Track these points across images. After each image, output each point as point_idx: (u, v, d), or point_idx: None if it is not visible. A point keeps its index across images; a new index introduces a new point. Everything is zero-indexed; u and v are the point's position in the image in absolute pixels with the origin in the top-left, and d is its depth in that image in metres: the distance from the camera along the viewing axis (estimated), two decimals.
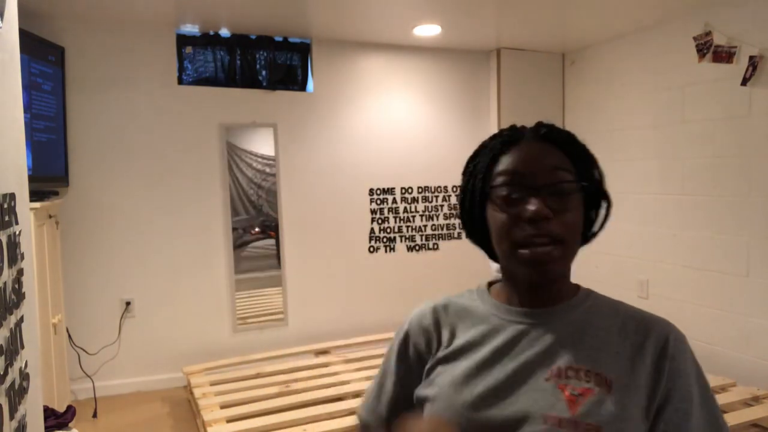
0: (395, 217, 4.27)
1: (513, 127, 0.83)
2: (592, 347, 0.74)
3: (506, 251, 0.76)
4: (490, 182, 0.79)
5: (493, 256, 0.85)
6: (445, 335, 0.83)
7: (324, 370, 3.37)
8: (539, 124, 0.81)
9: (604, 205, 0.81)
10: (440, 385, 0.78)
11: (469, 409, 0.74)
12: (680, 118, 3.52)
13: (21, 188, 1.26)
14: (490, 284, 0.88)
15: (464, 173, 0.85)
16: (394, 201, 4.26)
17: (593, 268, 4.23)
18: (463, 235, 0.88)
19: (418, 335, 0.85)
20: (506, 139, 0.80)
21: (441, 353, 0.81)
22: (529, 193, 0.74)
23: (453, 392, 0.76)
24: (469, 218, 0.84)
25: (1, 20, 1.14)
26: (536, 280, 0.77)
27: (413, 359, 0.85)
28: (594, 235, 0.83)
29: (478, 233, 0.84)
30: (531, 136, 0.79)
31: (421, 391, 0.81)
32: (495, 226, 0.77)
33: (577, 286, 0.83)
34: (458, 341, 0.81)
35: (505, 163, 0.78)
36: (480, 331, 0.80)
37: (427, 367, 0.83)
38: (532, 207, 0.72)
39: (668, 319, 0.79)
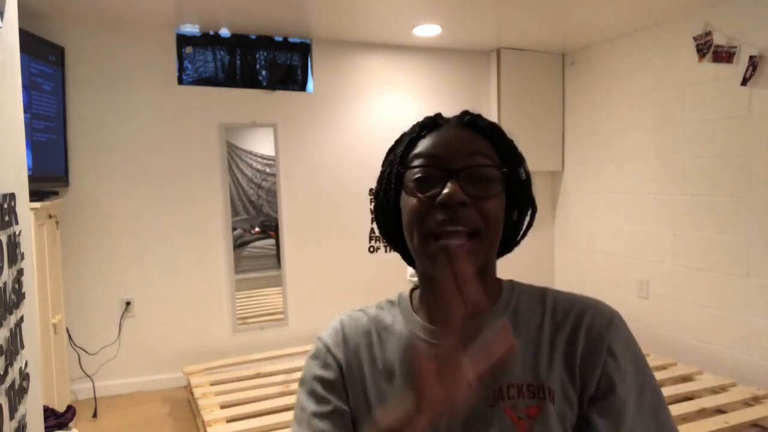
0: None
1: (437, 115, 0.76)
2: (527, 354, 0.67)
3: (417, 244, 0.68)
4: (405, 166, 0.71)
5: (409, 259, 0.78)
6: (366, 361, 0.72)
7: None
8: (464, 113, 0.75)
9: (528, 211, 0.74)
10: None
11: None
12: (680, 118, 3.52)
13: (21, 188, 1.26)
14: (413, 291, 0.79)
15: (383, 164, 0.77)
16: None
17: (593, 268, 4.23)
18: None
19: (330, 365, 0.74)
20: (427, 123, 0.74)
21: (377, 378, 0.72)
22: (446, 177, 0.66)
23: None
24: (383, 212, 0.75)
25: (1, 20, 1.14)
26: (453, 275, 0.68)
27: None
28: (515, 243, 0.75)
29: (393, 230, 0.75)
30: (454, 122, 0.73)
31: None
32: (407, 213, 0.69)
33: (499, 283, 0.75)
34: (391, 370, 0.71)
35: (422, 146, 0.71)
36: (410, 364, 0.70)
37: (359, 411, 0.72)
38: (447, 190, 0.64)
39: (608, 304, 0.72)
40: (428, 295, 0.74)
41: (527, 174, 0.73)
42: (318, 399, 0.72)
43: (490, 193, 0.67)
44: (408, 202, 0.69)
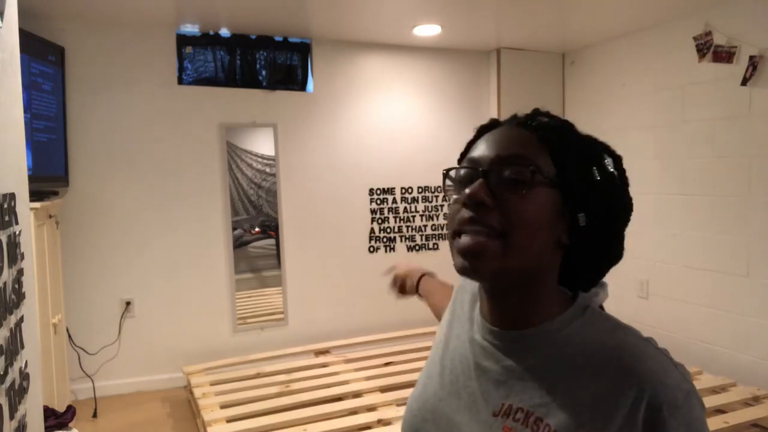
0: (395, 217, 4.27)
1: (497, 118, 0.77)
2: (551, 389, 0.62)
3: (449, 242, 0.68)
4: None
5: None
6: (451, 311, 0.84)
7: (324, 370, 3.37)
8: (534, 111, 0.72)
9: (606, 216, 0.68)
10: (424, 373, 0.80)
11: (416, 418, 0.75)
12: (680, 118, 3.52)
13: (21, 188, 1.26)
14: None
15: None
16: (394, 201, 4.26)
17: None
18: None
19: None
20: (487, 123, 0.74)
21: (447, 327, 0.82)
22: (476, 177, 0.66)
23: (417, 392, 0.78)
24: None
25: (1, 20, 1.14)
26: (472, 277, 0.66)
27: None
28: (585, 267, 0.68)
29: None
30: (509, 122, 0.71)
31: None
32: (448, 214, 0.70)
33: (568, 303, 0.68)
34: (447, 331, 0.81)
35: (472, 149, 0.71)
36: (458, 338, 0.77)
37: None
38: (468, 190, 0.64)
39: (679, 369, 0.60)
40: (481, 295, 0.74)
41: (608, 175, 0.68)
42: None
43: (523, 197, 0.63)
44: (449, 204, 0.71)
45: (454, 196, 0.68)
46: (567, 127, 0.69)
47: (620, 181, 0.70)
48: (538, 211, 0.64)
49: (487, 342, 0.70)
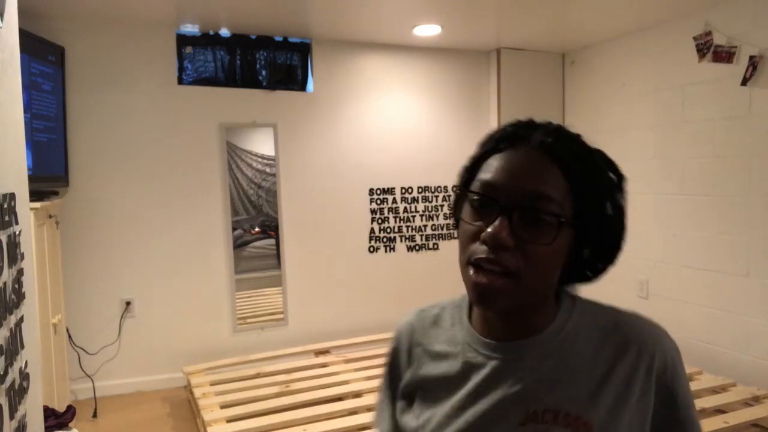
0: (395, 217, 4.27)
1: (518, 125, 0.71)
2: (573, 383, 0.65)
3: (461, 266, 0.67)
4: (469, 184, 0.70)
5: None
6: (418, 353, 0.77)
7: (324, 370, 3.37)
8: (547, 130, 0.68)
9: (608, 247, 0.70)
10: (425, 420, 0.72)
11: None
12: (680, 118, 3.52)
13: (21, 188, 1.26)
14: None
15: (466, 164, 0.76)
16: (394, 201, 4.26)
17: None
18: None
19: (403, 350, 0.80)
20: (506, 134, 0.70)
21: (417, 373, 0.76)
22: (498, 211, 0.64)
23: None
24: (453, 215, 0.76)
25: (1, 20, 1.14)
26: (483, 310, 0.69)
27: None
28: (588, 278, 0.71)
29: None
30: (532, 143, 0.67)
31: (408, 420, 0.75)
32: (460, 234, 0.69)
33: (559, 303, 0.72)
34: (430, 369, 0.74)
35: (489, 167, 0.68)
36: (456, 364, 0.72)
37: (404, 383, 0.77)
38: (491, 229, 0.63)
39: (658, 324, 0.71)
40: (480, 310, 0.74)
41: (617, 208, 0.68)
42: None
43: (542, 239, 0.63)
44: (462, 224, 0.69)
45: (471, 224, 0.66)
46: (590, 158, 0.68)
47: (617, 215, 0.70)
48: (555, 254, 0.65)
49: (493, 359, 0.69)
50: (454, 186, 0.76)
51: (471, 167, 0.71)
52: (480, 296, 0.64)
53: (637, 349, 0.66)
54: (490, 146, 0.70)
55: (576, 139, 0.70)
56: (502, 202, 0.64)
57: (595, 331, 0.69)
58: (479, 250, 0.64)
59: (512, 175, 0.65)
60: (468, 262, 0.65)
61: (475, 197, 0.67)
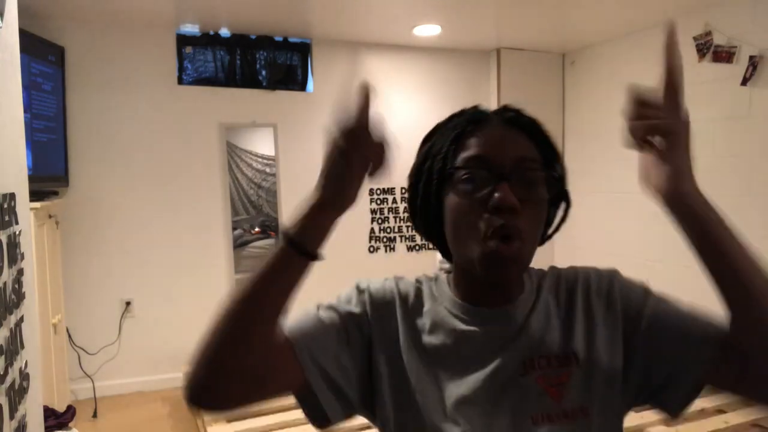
0: (395, 217, 4.27)
1: (476, 107, 0.76)
2: (550, 330, 0.72)
3: (465, 243, 0.68)
4: (452, 164, 0.70)
5: (444, 251, 0.77)
6: (424, 320, 0.75)
7: None
8: (505, 108, 0.74)
9: (562, 206, 0.75)
10: (423, 397, 0.71)
11: (451, 424, 0.69)
12: None
13: (21, 188, 1.27)
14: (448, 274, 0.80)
15: (418, 154, 0.77)
16: (394, 201, 4.26)
17: None
18: None
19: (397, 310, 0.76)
20: (471, 117, 0.73)
21: (414, 342, 0.73)
22: (495, 179, 0.66)
23: (435, 410, 0.70)
24: (422, 205, 0.74)
25: (1, 20, 1.14)
26: (495, 280, 0.70)
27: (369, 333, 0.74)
28: (548, 237, 0.76)
29: (430, 224, 0.75)
30: (498, 119, 0.72)
31: (397, 390, 0.72)
32: (453, 213, 0.69)
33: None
34: (430, 339, 0.73)
35: (469, 145, 0.70)
36: (448, 334, 0.73)
37: (400, 347, 0.73)
38: (499, 194, 0.65)
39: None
40: (465, 281, 0.75)
41: (563, 169, 0.74)
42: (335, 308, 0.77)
43: (537, 199, 0.69)
44: (455, 202, 0.69)
45: (469, 197, 0.68)
46: (541, 126, 0.74)
47: (564, 174, 0.76)
48: (543, 214, 0.71)
49: (485, 325, 0.72)
50: (420, 168, 0.76)
51: (442, 154, 0.72)
52: (504, 265, 0.66)
53: (582, 287, 0.74)
54: (461, 129, 0.72)
55: (522, 110, 0.75)
56: (497, 170, 0.67)
57: (550, 285, 0.76)
58: (489, 220, 0.65)
59: (496, 145, 0.69)
60: (477, 236, 0.66)
61: (466, 173, 0.68)
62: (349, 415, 0.73)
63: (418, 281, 0.80)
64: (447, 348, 0.72)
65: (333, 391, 0.70)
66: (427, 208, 0.74)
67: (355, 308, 0.76)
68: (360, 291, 0.78)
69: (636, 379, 0.70)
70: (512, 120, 0.72)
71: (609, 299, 0.73)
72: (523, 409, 0.68)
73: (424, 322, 0.75)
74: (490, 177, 0.67)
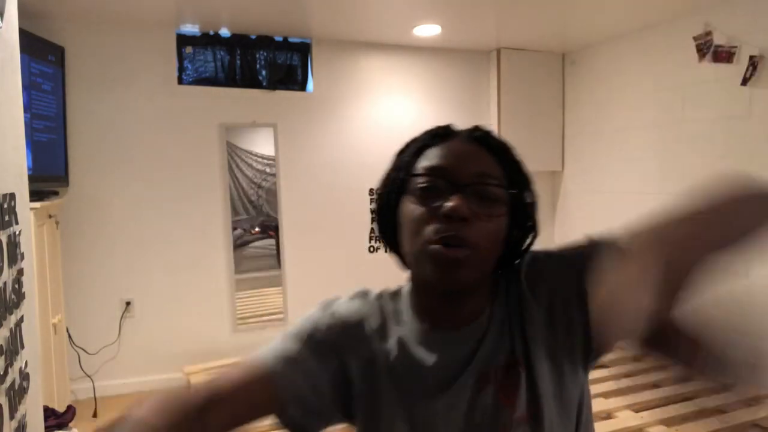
0: None
1: (448, 125, 0.77)
2: (503, 339, 0.72)
3: (415, 249, 0.69)
4: (412, 172, 0.72)
5: (404, 263, 0.77)
6: (389, 345, 0.75)
7: None
8: (476, 127, 0.76)
9: (530, 234, 0.75)
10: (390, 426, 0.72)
11: None
12: (680, 118, 3.52)
13: (21, 188, 1.27)
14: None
15: (390, 166, 0.78)
16: None
17: None
18: None
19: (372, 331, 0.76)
20: (437, 133, 0.75)
21: (385, 367, 0.73)
22: (451, 190, 0.67)
23: None
24: (384, 214, 0.76)
25: (1, 20, 1.14)
26: (444, 285, 0.69)
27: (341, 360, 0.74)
28: (511, 262, 0.76)
29: (391, 233, 0.76)
30: (464, 136, 0.74)
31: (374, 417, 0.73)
32: (408, 220, 0.70)
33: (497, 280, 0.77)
34: (394, 363, 0.74)
35: (430, 155, 0.72)
36: (411, 360, 0.73)
37: (368, 382, 0.73)
38: (450, 203, 0.65)
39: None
40: (418, 297, 0.76)
41: (533, 197, 0.74)
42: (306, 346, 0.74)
43: (493, 212, 0.69)
44: (410, 209, 0.70)
45: (422, 205, 0.68)
46: (511, 150, 0.75)
47: (534, 203, 0.76)
48: (500, 230, 0.70)
49: (442, 353, 0.72)
50: (387, 179, 0.77)
51: (404, 165, 0.73)
52: (446, 268, 0.66)
53: (524, 286, 0.73)
54: (425, 141, 0.74)
55: (491, 132, 0.76)
56: (453, 180, 0.68)
57: (514, 287, 0.75)
58: (441, 227, 0.66)
59: (457, 158, 0.70)
60: (426, 242, 0.67)
61: (424, 182, 0.69)
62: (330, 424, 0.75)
63: (380, 298, 0.80)
64: (410, 375, 0.73)
65: (312, 417, 0.72)
66: (388, 216, 0.75)
67: (323, 335, 0.75)
68: (326, 314, 0.79)
69: (580, 354, 0.71)
70: (479, 138, 0.73)
71: (539, 292, 0.72)
72: (482, 422, 0.69)
73: (388, 347, 0.75)
74: (447, 187, 0.68)
